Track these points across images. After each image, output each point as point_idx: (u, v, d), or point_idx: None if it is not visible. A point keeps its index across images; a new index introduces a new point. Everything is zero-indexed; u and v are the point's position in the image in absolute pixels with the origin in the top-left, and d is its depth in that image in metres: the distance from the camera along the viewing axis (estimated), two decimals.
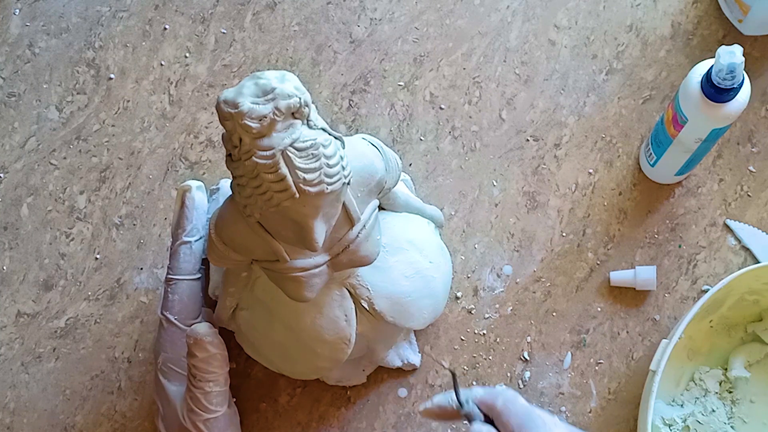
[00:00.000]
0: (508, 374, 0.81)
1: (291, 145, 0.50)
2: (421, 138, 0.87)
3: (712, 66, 0.69)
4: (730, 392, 0.80)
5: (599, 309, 0.83)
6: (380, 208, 0.70)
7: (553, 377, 0.81)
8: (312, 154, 0.51)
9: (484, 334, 0.82)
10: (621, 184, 0.85)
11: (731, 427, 0.79)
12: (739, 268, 0.81)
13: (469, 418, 0.59)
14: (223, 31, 0.90)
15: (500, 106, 0.87)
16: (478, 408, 0.59)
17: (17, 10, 0.91)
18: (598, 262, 0.83)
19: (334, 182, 0.53)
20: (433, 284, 0.73)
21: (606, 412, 0.81)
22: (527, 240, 0.84)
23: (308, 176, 0.51)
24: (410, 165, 0.86)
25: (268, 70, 0.52)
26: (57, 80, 0.89)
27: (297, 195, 0.51)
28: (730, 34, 0.88)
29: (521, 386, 0.81)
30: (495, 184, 0.86)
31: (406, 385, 0.81)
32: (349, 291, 0.68)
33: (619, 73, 0.88)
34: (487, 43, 0.89)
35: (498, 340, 0.82)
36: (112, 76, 0.89)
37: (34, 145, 0.88)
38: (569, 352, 0.82)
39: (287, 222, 0.54)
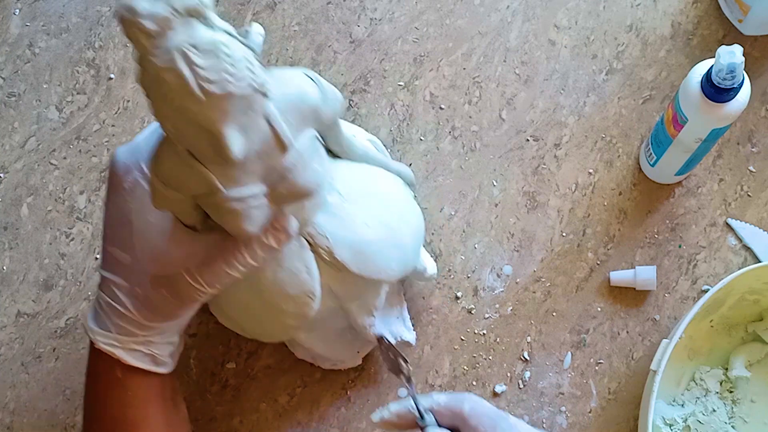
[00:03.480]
0: (508, 374, 0.81)
1: (189, 43, 0.50)
2: (421, 138, 0.87)
3: (712, 66, 0.69)
4: (731, 392, 0.80)
5: (599, 309, 0.83)
6: (336, 156, 0.69)
7: (553, 377, 0.81)
8: (212, 52, 0.51)
9: (484, 334, 0.82)
10: (621, 184, 0.85)
11: (732, 426, 0.79)
12: (739, 268, 0.81)
13: (423, 427, 0.59)
14: None
15: (500, 106, 0.87)
16: (437, 416, 0.59)
17: (17, 10, 0.91)
18: (598, 262, 0.84)
19: (240, 84, 0.52)
20: (399, 235, 0.70)
21: (606, 412, 0.81)
22: (527, 240, 0.84)
23: (209, 74, 0.50)
24: (410, 165, 0.86)
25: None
26: (57, 80, 0.89)
27: (200, 94, 0.51)
28: (730, 34, 0.88)
29: (521, 386, 0.81)
30: (495, 184, 0.86)
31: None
32: (308, 241, 0.66)
33: (619, 73, 0.88)
34: (487, 43, 0.89)
35: (498, 340, 0.82)
36: (112, 76, 0.89)
37: (34, 145, 0.88)
38: (569, 352, 0.82)
39: (201, 133, 0.53)
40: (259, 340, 0.77)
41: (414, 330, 0.80)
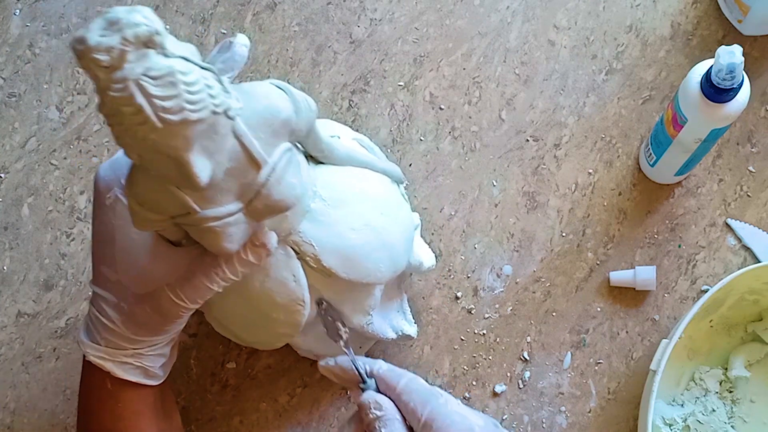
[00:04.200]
0: (508, 374, 0.82)
1: (144, 74, 0.50)
2: (421, 138, 0.87)
3: (712, 66, 0.69)
4: (731, 392, 0.80)
5: (599, 309, 0.83)
6: (319, 162, 0.68)
7: (553, 377, 0.81)
8: (169, 81, 0.50)
9: (484, 334, 0.83)
10: (621, 184, 0.85)
11: (732, 426, 0.79)
12: (739, 268, 0.81)
13: (363, 389, 0.61)
14: (223, 31, 0.90)
15: (500, 107, 0.88)
16: (377, 382, 0.61)
17: (17, 11, 0.91)
18: (598, 262, 0.84)
19: (199, 110, 0.51)
20: (386, 235, 0.70)
21: (606, 412, 0.81)
22: (527, 240, 0.84)
23: (166, 104, 0.50)
24: (410, 165, 0.86)
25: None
26: (57, 80, 0.89)
27: (159, 124, 0.50)
28: (730, 35, 0.88)
29: (521, 386, 0.81)
30: (495, 184, 0.86)
31: None
32: (293, 249, 0.66)
33: (619, 74, 0.88)
34: (487, 44, 0.89)
35: (498, 340, 0.82)
36: None
37: (34, 146, 0.88)
38: (569, 352, 0.82)
39: (167, 161, 0.53)
40: (254, 347, 0.77)
41: (415, 323, 0.79)
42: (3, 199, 0.87)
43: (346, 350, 0.65)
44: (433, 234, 0.85)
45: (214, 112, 0.53)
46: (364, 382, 0.61)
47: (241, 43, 0.62)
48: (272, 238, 0.61)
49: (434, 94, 0.88)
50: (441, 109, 0.88)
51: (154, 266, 0.62)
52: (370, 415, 0.59)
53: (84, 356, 0.65)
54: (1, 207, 0.86)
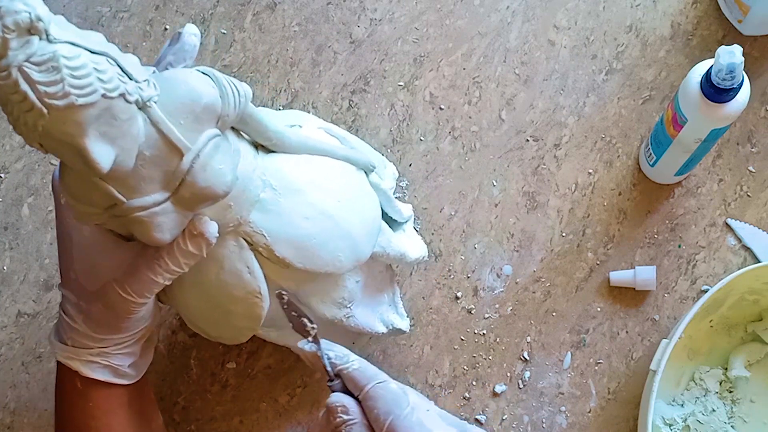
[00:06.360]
0: (508, 374, 0.82)
1: (27, 60, 0.50)
2: (421, 138, 0.87)
3: (712, 66, 0.69)
4: (731, 392, 0.80)
5: (599, 309, 0.83)
6: (270, 150, 0.67)
7: (552, 377, 0.81)
8: (52, 66, 0.50)
9: (484, 334, 0.83)
10: (621, 184, 0.85)
11: (731, 426, 0.79)
12: (739, 268, 0.81)
13: (332, 389, 0.59)
14: (223, 31, 0.90)
15: (500, 107, 0.88)
16: (345, 380, 0.60)
17: None
18: (598, 262, 0.84)
19: (86, 94, 0.51)
20: (344, 224, 0.67)
21: (606, 412, 0.81)
22: (527, 240, 0.84)
23: (50, 89, 0.50)
24: (410, 165, 0.86)
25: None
26: None
27: (44, 110, 0.50)
28: (730, 35, 0.88)
29: (521, 386, 0.81)
30: (495, 184, 0.86)
31: (406, 384, 0.81)
32: (246, 240, 0.65)
33: (619, 74, 0.88)
34: (487, 44, 0.89)
35: (498, 340, 0.82)
36: None
37: None
38: (569, 352, 0.82)
39: (69, 150, 0.53)
40: (222, 342, 0.76)
41: (409, 316, 0.78)
42: (3, 199, 0.87)
43: (317, 348, 0.62)
44: (433, 234, 0.85)
45: (106, 96, 0.52)
46: (331, 380, 0.60)
47: (190, 32, 0.61)
48: (210, 227, 0.60)
49: (434, 94, 0.88)
50: (441, 109, 0.88)
51: (103, 262, 0.62)
52: (337, 419, 0.58)
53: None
54: (1, 207, 0.86)
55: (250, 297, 0.66)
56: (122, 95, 0.53)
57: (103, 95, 0.52)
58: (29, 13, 0.49)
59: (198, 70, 0.60)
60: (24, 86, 0.50)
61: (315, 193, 0.67)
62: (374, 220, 0.72)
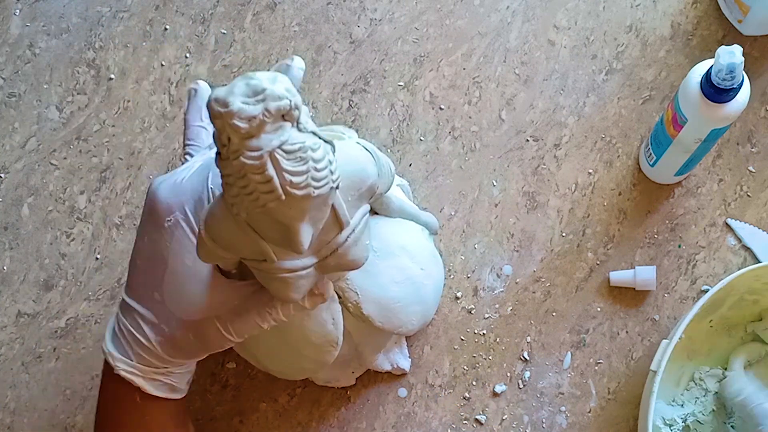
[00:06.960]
0: (508, 374, 0.82)
1: (279, 147, 0.50)
2: (421, 138, 0.87)
3: (712, 66, 0.69)
4: None
5: (599, 309, 0.83)
6: (373, 212, 0.70)
7: (552, 377, 0.81)
8: (300, 157, 0.51)
9: (484, 334, 0.83)
10: (621, 184, 0.85)
11: (731, 426, 0.79)
12: (739, 268, 0.81)
13: None
14: (223, 31, 0.90)
15: (500, 107, 0.88)
16: None
17: (17, 11, 0.91)
18: (598, 262, 0.84)
19: (321, 186, 0.52)
20: (423, 291, 0.73)
21: (606, 412, 0.81)
22: (527, 240, 0.84)
23: (295, 179, 0.51)
24: (410, 165, 0.86)
25: (261, 71, 0.52)
26: (57, 80, 0.89)
27: (283, 197, 0.51)
28: (730, 35, 0.88)
29: (521, 386, 0.81)
30: (495, 184, 0.86)
31: (406, 385, 0.82)
32: (337, 294, 0.68)
33: (619, 74, 0.88)
34: (487, 44, 0.89)
35: (498, 340, 0.82)
36: (112, 76, 0.89)
37: (34, 146, 0.88)
38: (569, 352, 0.82)
39: (274, 223, 0.54)
40: (278, 376, 0.77)
41: (410, 357, 0.81)
42: (3, 199, 0.87)
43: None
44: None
45: (332, 188, 0.54)
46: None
47: (298, 66, 0.63)
48: (330, 288, 0.63)
49: (434, 94, 0.88)
50: (441, 109, 0.88)
51: (208, 297, 0.62)
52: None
53: (107, 364, 0.64)
54: (1, 207, 0.87)
55: (326, 345, 0.69)
56: (337, 185, 0.55)
57: (331, 187, 0.53)
58: (290, 101, 0.50)
59: (359, 143, 0.62)
60: (271, 171, 0.50)
61: (406, 259, 0.72)
62: (441, 285, 0.78)
